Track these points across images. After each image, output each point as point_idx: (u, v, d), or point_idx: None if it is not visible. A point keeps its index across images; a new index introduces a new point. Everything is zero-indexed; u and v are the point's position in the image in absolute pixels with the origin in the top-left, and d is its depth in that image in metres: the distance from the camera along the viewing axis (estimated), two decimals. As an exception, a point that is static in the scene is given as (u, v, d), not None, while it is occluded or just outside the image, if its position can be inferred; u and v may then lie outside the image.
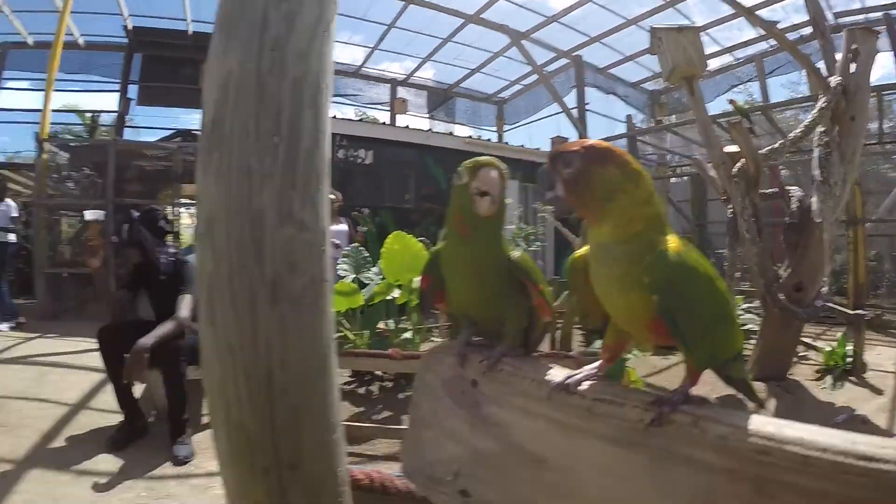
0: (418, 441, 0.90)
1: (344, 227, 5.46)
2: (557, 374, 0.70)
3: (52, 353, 5.70)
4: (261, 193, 0.81)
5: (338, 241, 4.91)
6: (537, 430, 0.71)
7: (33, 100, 12.90)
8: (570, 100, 11.85)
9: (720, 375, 0.71)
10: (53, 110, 9.59)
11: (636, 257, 0.64)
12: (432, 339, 4.99)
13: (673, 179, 11.04)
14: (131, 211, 3.64)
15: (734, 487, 0.56)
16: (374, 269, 4.52)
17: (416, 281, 4.77)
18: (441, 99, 14.92)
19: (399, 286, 4.81)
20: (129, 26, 11.73)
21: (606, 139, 11.30)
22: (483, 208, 0.79)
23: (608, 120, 13.03)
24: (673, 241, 0.65)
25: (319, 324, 0.88)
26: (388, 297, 4.33)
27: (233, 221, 0.81)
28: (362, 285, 4.34)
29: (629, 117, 11.69)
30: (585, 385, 0.67)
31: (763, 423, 0.59)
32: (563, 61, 12.21)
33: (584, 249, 0.74)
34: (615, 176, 0.66)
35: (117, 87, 12.18)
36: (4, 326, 6.60)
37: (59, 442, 3.32)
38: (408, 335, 4.80)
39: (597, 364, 0.71)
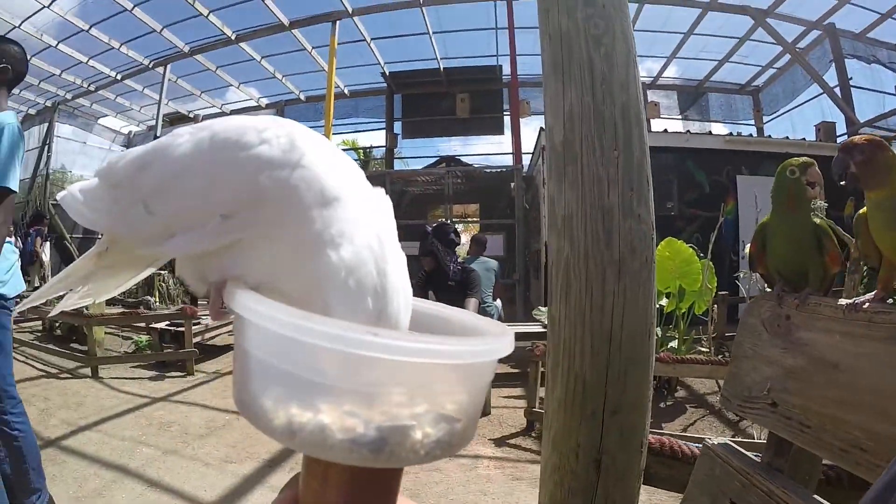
0: (738, 372, 1.19)
1: None
2: (846, 301, 0.97)
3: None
4: (609, 195, 1.08)
5: None
6: (833, 343, 0.96)
7: (310, 145, 15.60)
8: (831, 77, 10.51)
9: None
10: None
11: None
12: (699, 348, 4.91)
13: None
14: (426, 226, 4.31)
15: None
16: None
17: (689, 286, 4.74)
18: (692, 97, 14.17)
19: (668, 294, 4.79)
20: (387, 72, 13.50)
21: (878, 118, 9.74)
22: (813, 194, 1.10)
23: (875, 94, 11.19)
24: None
25: (649, 294, 1.12)
26: (657, 306, 4.36)
27: (589, 217, 1.09)
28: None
29: (903, 86, 10.03)
30: (867, 304, 0.92)
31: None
32: (816, 33, 10.81)
33: (863, 210, 1.02)
34: (890, 158, 0.97)
35: (383, 125, 14.10)
36: None
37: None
38: (673, 344, 4.79)
39: (873, 292, 0.97)
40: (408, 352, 0.31)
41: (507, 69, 11.98)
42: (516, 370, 5.90)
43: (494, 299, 6.13)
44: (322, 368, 0.32)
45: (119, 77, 13.17)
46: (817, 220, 1.12)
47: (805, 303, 1.05)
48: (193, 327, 5.79)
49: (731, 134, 11.02)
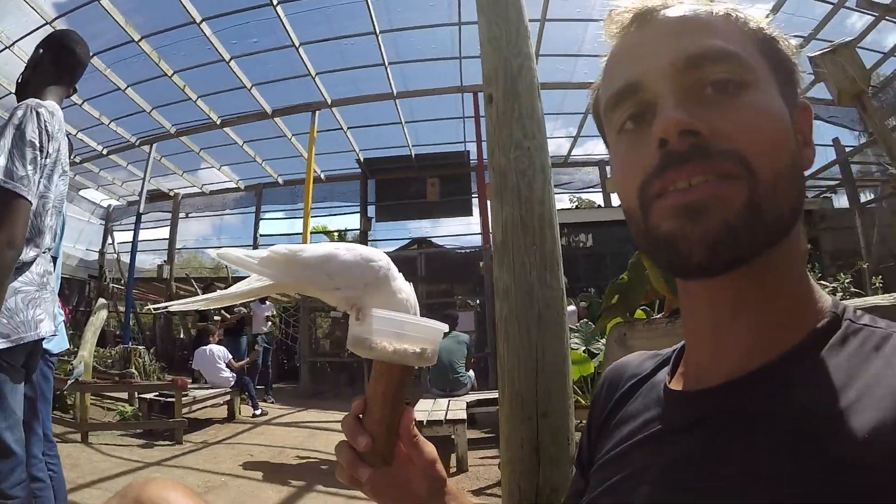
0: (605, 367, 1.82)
1: (573, 307, 6.14)
2: (646, 319, 1.63)
3: (317, 420, 7.17)
4: (531, 274, 1.71)
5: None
6: (642, 344, 1.59)
7: (286, 226, 16.20)
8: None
9: None
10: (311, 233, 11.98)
11: None
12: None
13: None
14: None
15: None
16: (602, 341, 4.91)
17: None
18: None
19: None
20: (361, 159, 14.37)
21: (818, 171, 10.54)
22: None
23: (818, 148, 12.30)
24: None
25: (562, 334, 1.73)
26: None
27: (518, 289, 1.72)
28: (592, 355, 4.83)
29: (836, 141, 11.04)
30: (656, 319, 1.63)
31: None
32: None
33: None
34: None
35: (357, 209, 14.84)
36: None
37: (332, 476, 4.49)
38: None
39: (663, 313, 1.67)
40: (427, 322, 0.70)
41: (474, 154, 12.91)
42: (490, 434, 6.29)
43: (467, 370, 6.63)
44: (405, 329, 0.67)
45: (105, 152, 13.60)
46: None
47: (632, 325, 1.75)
48: (182, 399, 6.07)
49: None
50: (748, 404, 0.50)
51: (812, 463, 0.43)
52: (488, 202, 1.91)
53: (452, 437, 4.89)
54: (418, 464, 0.70)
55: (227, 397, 7.35)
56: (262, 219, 16.19)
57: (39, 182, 1.92)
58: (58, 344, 2.74)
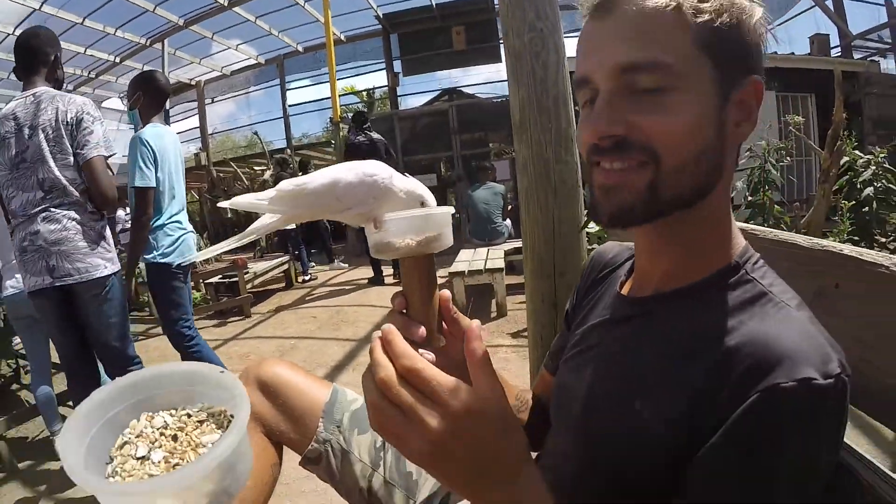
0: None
1: None
2: None
3: (367, 276, 7.56)
4: (547, 150, 1.90)
5: None
6: None
7: (313, 93, 16.08)
8: (824, -12, 10.47)
9: None
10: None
11: None
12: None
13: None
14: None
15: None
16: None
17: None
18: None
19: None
20: (380, 14, 13.74)
21: (869, 31, 9.81)
22: None
23: (868, 5, 11.39)
24: None
25: (576, 206, 1.96)
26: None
27: (535, 163, 1.92)
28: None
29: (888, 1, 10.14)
30: None
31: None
32: (808, -55, 10.82)
33: None
34: None
35: (382, 65, 14.47)
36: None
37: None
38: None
39: None
40: (435, 210, 0.74)
41: (497, -2, 12.17)
42: (531, 280, 6.68)
43: (504, 219, 6.93)
44: (419, 223, 0.72)
45: (118, 60, 13.53)
46: None
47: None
48: (244, 276, 6.51)
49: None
50: (659, 315, 0.73)
51: (683, 375, 0.64)
52: (507, 84, 2.03)
53: (492, 284, 5.30)
54: (460, 337, 0.81)
55: (285, 266, 7.84)
56: (287, 89, 16.06)
57: None
58: (180, 254, 2.91)
